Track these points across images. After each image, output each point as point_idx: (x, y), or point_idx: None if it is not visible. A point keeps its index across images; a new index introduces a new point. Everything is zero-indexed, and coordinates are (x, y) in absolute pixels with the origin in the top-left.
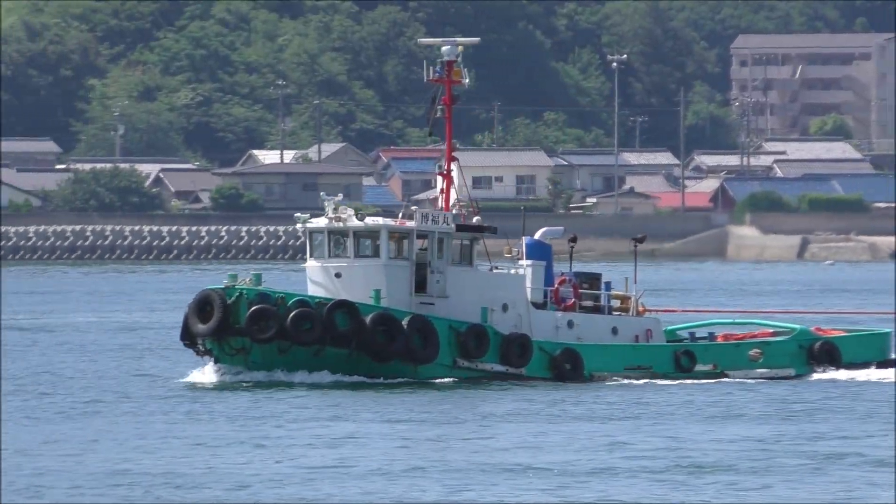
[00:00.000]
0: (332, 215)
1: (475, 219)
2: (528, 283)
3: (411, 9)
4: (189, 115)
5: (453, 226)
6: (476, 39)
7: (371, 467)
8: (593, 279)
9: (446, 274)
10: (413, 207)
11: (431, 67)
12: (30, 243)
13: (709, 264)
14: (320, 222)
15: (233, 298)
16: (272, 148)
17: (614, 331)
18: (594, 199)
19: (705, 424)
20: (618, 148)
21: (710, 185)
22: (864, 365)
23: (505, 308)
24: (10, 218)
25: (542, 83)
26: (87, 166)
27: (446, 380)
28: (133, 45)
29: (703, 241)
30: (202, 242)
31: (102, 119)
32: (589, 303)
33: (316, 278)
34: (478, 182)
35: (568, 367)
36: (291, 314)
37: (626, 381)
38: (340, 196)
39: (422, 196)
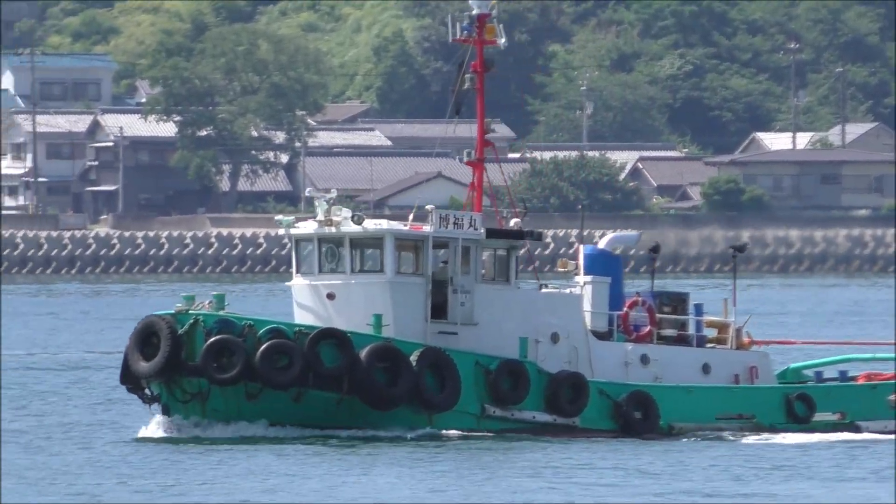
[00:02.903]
0: (323, 218)
1: (513, 222)
2: (588, 306)
3: None
4: (675, 90)
5: (483, 231)
6: None
7: None
8: (678, 301)
9: (474, 294)
10: (429, 207)
11: (458, 24)
12: None
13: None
14: (308, 227)
15: (185, 327)
16: (781, 130)
17: (705, 369)
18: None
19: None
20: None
21: None
22: None
23: (554, 339)
24: None
25: None
26: (547, 155)
27: (470, 433)
28: (604, 2)
29: None
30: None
31: (566, 95)
32: (671, 332)
33: (303, 300)
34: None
35: (637, 416)
36: (262, 347)
37: (717, 435)
38: (334, 192)
39: None
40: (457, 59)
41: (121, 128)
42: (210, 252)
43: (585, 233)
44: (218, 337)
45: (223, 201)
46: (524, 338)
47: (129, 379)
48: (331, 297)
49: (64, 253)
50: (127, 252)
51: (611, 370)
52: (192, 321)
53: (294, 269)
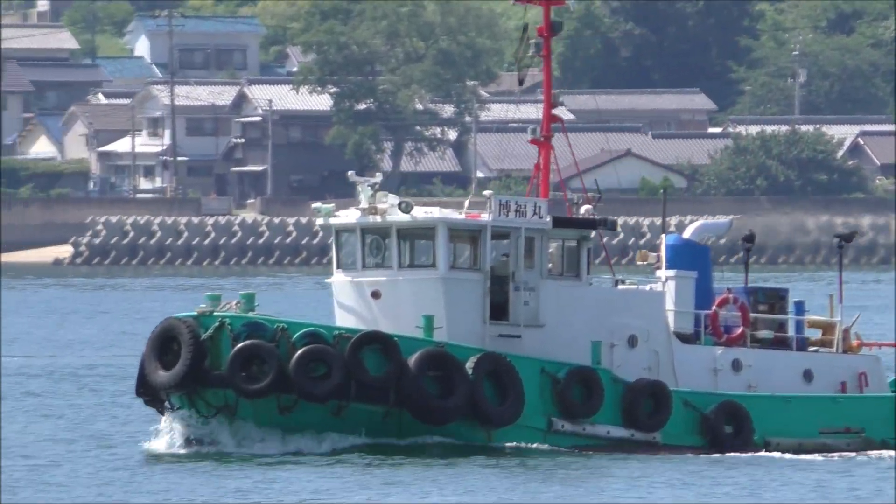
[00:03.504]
0: (367, 205)
1: (584, 209)
2: (671, 305)
3: None
4: None
5: (549, 219)
6: None
7: None
8: (775, 298)
9: (539, 291)
10: (487, 192)
11: None
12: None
13: None
14: (350, 216)
15: (209, 331)
16: None
17: (807, 375)
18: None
19: None
20: None
21: None
22: None
23: (632, 342)
24: (647, 205)
25: None
26: (753, 129)
27: (536, 447)
28: None
29: None
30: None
31: (775, 61)
32: (767, 333)
33: (345, 300)
34: None
35: (729, 431)
36: (297, 354)
37: (820, 453)
38: (379, 176)
39: None
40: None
41: (269, 100)
42: None
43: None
44: (247, 342)
45: (384, 183)
46: (597, 341)
47: (147, 390)
48: (376, 295)
49: (206, 241)
50: (277, 240)
51: (697, 378)
52: (217, 324)
53: (334, 265)
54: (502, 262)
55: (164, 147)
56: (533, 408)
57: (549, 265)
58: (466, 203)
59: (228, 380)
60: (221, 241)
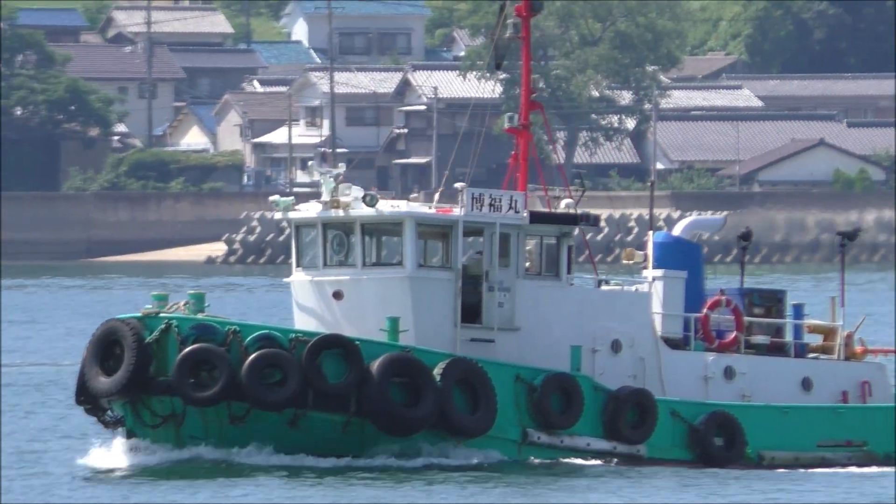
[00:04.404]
0: (329, 198)
1: (564, 203)
2: (658, 307)
3: None
4: None
5: (526, 214)
6: None
7: None
8: (772, 300)
9: (515, 292)
10: (459, 185)
11: None
12: None
13: None
14: (311, 210)
15: (154, 334)
16: None
17: (805, 384)
18: None
19: None
20: None
21: None
22: None
23: (616, 347)
24: (842, 199)
25: None
26: None
27: (509, 461)
28: None
29: None
30: None
31: None
32: (763, 338)
33: (304, 300)
34: None
35: (719, 444)
36: (250, 359)
37: (817, 467)
38: (343, 167)
39: None
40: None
41: (435, 87)
42: None
43: None
44: (195, 346)
45: (557, 175)
46: (577, 346)
47: (87, 398)
48: (338, 296)
49: None
50: None
51: (687, 386)
52: (162, 326)
53: (294, 262)
54: (475, 261)
55: (323, 138)
56: (506, 418)
57: (527, 264)
58: (436, 197)
59: (175, 387)
60: None
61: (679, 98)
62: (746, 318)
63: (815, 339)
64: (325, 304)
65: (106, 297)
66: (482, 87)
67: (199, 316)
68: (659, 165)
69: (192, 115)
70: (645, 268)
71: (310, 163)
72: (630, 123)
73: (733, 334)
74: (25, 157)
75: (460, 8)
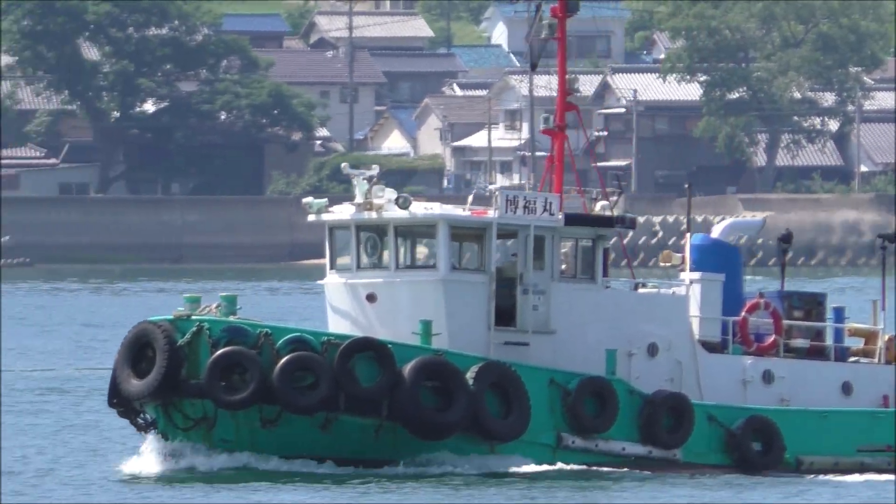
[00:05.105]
0: (362, 200)
1: (599, 205)
2: (695, 310)
3: None
4: None
5: (561, 217)
6: None
7: None
8: (812, 303)
9: (550, 295)
10: (493, 186)
11: None
12: None
13: None
14: (344, 212)
15: (186, 337)
16: None
17: (846, 388)
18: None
19: None
20: None
21: None
22: None
23: (652, 351)
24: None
25: None
26: None
27: (544, 467)
28: None
29: None
30: None
31: None
32: (803, 342)
33: (338, 303)
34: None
35: (757, 449)
36: (282, 362)
37: (858, 473)
38: (376, 168)
39: None
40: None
41: (634, 90)
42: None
43: None
44: (227, 349)
45: (758, 179)
46: (612, 350)
47: (120, 401)
48: (371, 298)
49: None
50: (641, 240)
51: (724, 390)
52: (194, 329)
53: (327, 265)
54: (510, 263)
55: (522, 141)
56: (540, 422)
57: (563, 266)
58: (470, 199)
59: (206, 390)
60: None
61: (883, 99)
62: (786, 322)
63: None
64: (358, 306)
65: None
66: (682, 90)
67: (231, 318)
68: (863, 168)
69: (393, 119)
70: (683, 270)
71: (343, 164)
72: (833, 125)
73: (772, 338)
74: (230, 161)
75: (660, 10)
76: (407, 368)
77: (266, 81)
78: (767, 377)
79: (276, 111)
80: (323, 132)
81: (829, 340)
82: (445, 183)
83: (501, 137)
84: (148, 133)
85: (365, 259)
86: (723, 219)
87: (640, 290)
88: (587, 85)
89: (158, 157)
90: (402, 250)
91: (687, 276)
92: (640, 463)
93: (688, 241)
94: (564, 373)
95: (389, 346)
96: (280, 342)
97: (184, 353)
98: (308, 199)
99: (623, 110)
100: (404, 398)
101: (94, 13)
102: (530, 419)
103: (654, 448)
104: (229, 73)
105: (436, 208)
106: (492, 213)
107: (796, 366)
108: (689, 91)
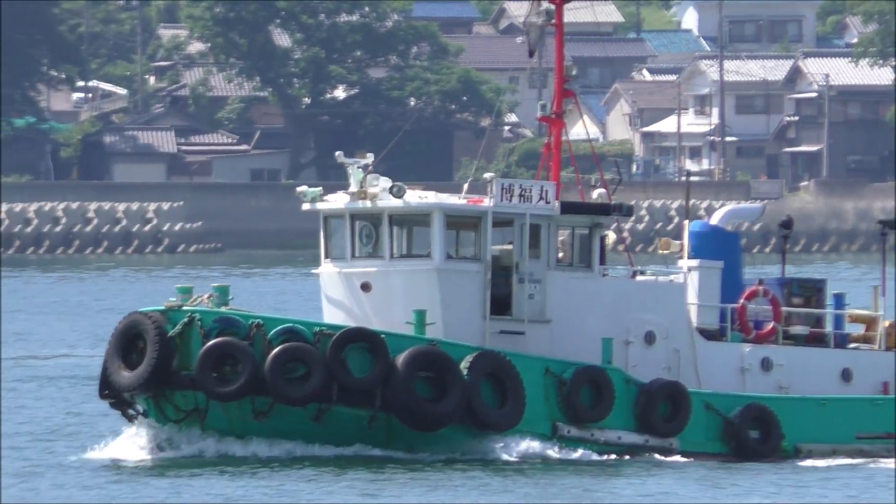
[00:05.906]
0: (357, 189)
1: (596, 193)
2: (693, 298)
3: None
4: None
5: (557, 205)
6: None
7: None
8: (812, 290)
9: (545, 284)
10: (489, 175)
11: None
12: None
13: None
14: (338, 201)
15: (178, 328)
16: None
17: (845, 375)
18: None
19: None
20: None
21: None
22: None
23: (650, 339)
24: None
25: None
26: None
27: (539, 457)
28: None
29: None
30: None
31: None
32: (802, 329)
33: (333, 293)
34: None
35: (755, 437)
36: (273, 353)
37: (858, 459)
38: (371, 157)
39: None
40: None
41: (826, 75)
42: None
43: None
44: (218, 340)
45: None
46: (609, 339)
47: (111, 392)
48: (365, 288)
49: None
50: (833, 226)
51: (723, 378)
52: (185, 320)
53: (322, 254)
54: (506, 252)
55: (712, 126)
56: (535, 411)
57: (560, 255)
58: (465, 187)
59: (198, 381)
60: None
61: None
62: (785, 309)
63: (858, 330)
64: (353, 296)
65: None
66: (875, 74)
67: (223, 309)
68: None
69: (582, 104)
70: (681, 257)
71: (337, 153)
72: None
73: (771, 325)
74: (420, 147)
75: None
76: (400, 358)
77: (455, 67)
78: (766, 364)
79: (465, 97)
80: (512, 118)
81: (828, 327)
82: (634, 168)
83: (691, 122)
84: (338, 119)
85: (360, 248)
86: None
87: (637, 279)
88: (777, 70)
89: (349, 143)
90: (397, 239)
91: (685, 263)
92: (634, 451)
93: (686, 229)
94: (560, 362)
95: (382, 335)
96: (272, 333)
97: (175, 345)
98: (302, 188)
99: (815, 94)
100: (398, 389)
101: (285, 0)
102: (525, 409)
103: (651, 437)
104: (419, 60)
105: (430, 197)
106: (487, 202)
107: (795, 353)
108: (882, 75)
